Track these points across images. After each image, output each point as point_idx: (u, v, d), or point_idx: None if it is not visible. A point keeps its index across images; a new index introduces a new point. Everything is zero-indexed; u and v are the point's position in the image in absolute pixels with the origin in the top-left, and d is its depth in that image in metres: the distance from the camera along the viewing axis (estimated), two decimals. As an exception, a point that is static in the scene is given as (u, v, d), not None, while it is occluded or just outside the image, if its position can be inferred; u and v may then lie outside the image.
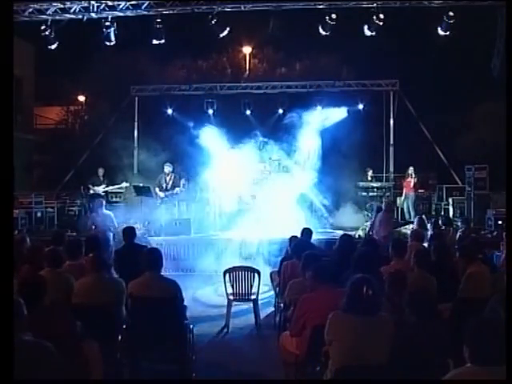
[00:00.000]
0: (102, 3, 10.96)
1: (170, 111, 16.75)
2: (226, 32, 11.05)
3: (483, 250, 6.73)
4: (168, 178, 12.38)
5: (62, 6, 11.02)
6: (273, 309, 7.27)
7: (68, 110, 21.88)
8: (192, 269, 9.78)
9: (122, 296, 5.04)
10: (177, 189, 12.37)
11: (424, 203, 14.42)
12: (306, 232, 7.43)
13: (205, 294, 8.68)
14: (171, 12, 11.22)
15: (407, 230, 11.97)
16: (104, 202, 10.22)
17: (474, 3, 10.79)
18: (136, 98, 17.12)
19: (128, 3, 11.06)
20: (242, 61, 21.99)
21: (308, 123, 13.87)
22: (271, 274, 7.70)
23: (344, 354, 3.53)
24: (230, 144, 13.28)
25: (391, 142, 16.38)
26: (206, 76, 20.06)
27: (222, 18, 10.85)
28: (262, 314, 7.37)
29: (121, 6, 11.07)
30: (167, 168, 12.41)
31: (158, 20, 10.99)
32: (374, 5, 10.65)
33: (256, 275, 6.95)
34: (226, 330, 6.82)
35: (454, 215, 13.50)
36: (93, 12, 11.05)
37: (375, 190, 14.30)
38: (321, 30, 10.97)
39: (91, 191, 13.11)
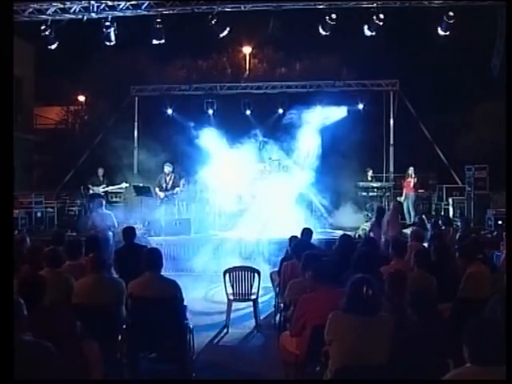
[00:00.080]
0: (102, 3, 10.96)
1: (169, 111, 16.76)
2: (226, 32, 11.05)
3: (483, 250, 6.73)
4: (168, 178, 12.37)
5: (61, 5, 11.02)
6: (273, 309, 7.27)
7: (68, 109, 21.89)
8: (192, 269, 9.76)
9: (122, 296, 5.04)
10: (177, 189, 12.37)
11: (424, 203, 14.43)
12: (306, 232, 7.43)
13: (205, 294, 8.67)
14: (171, 12, 11.22)
15: (407, 230, 12.00)
16: (104, 202, 10.22)
17: (474, 3, 10.79)
18: (136, 98, 17.12)
19: (128, 3, 11.05)
20: (242, 61, 21.99)
21: (308, 122, 13.87)
22: (271, 274, 7.69)
23: (344, 353, 3.53)
24: (230, 144, 13.28)
25: (391, 141, 16.37)
26: (205, 76, 20.06)
27: (222, 18, 10.85)
28: (262, 314, 7.37)
29: (121, 6, 11.07)
30: (167, 168, 12.41)
31: (158, 20, 10.98)
32: (374, 5, 10.65)
33: (256, 275, 6.95)
34: (225, 330, 6.82)
35: (453, 215, 13.49)
36: (93, 12, 11.05)
37: (375, 190, 14.29)
38: (321, 30, 10.97)
39: (91, 191, 13.11)
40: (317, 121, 14.02)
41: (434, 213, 14.06)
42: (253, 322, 6.96)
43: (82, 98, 21.93)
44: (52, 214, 13.79)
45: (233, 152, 12.94)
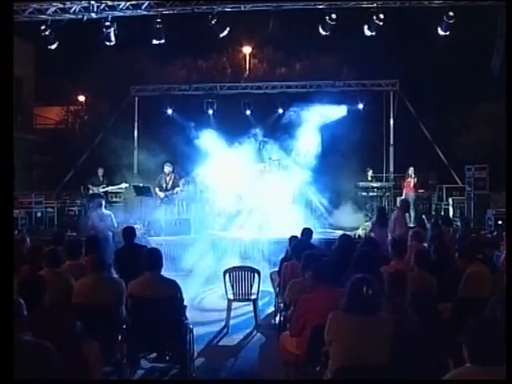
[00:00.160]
0: (102, 3, 10.95)
1: (169, 111, 16.76)
2: (226, 32, 11.05)
3: (483, 250, 6.73)
4: (168, 178, 12.37)
5: (61, 5, 11.02)
6: (273, 309, 7.27)
7: (68, 110, 21.88)
8: (192, 269, 9.76)
9: (122, 296, 5.04)
10: (177, 189, 12.37)
11: (424, 203, 14.42)
12: (306, 232, 7.42)
13: (205, 293, 8.67)
14: (171, 12, 11.22)
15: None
16: (103, 202, 10.22)
17: (474, 3, 10.79)
18: (136, 98, 17.13)
19: (128, 3, 11.05)
20: (242, 61, 21.99)
21: (308, 122, 13.88)
22: (271, 274, 7.70)
23: (344, 353, 3.54)
24: (230, 144, 13.29)
25: (391, 142, 16.38)
26: (206, 76, 20.06)
27: (222, 17, 10.85)
28: (262, 314, 7.37)
29: (121, 6, 11.07)
30: (167, 168, 12.41)
31: (158, 20, 10.98)
32: (374, 5, 10.65)
33: (256, 275, 6.95)
34: (225, 330, 6.82)
35: (453, 215, 13.50)
36: (93, 12, 11.04)
37: (375, 190, 14.29)
38: (321, 30, 10.97)
39: (91, 191, 13.11)
40: (317, 120, 14.04)
41: (433, 213, 14.06)
42: (253, 322, 6.96)
43: (82, 98, 21.92)
44: (52, 214, 13.80)
45: (233, 152, 12.94)
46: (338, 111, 14.94)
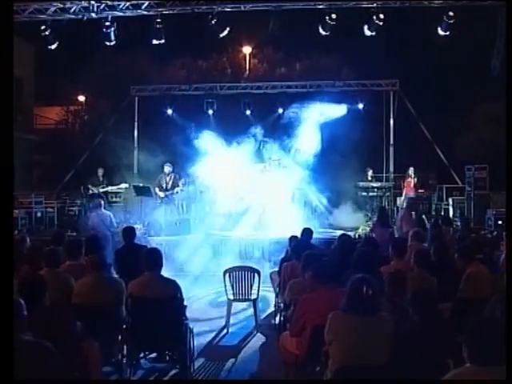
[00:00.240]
0: (102, 3, 10.95)
1: (169, 111, 16.77)
2: (226, 32, 11.05)
3: (483, 249, 6.73)
4: (168, 178, 12.38)
5: (61, 5, 11.02)
6: (273, 309, 7.27)
7: (68, 110, 21.88)
8: (192, 269, 9.76)
9: (122, 296, 5.04)
10: (177, 189, 12.38)
11: (424, 203, 14.41)
12: (307, 232, 7.43)
13: (205, 293, 8.67)
14: (171, 12, 11.22)
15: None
16: (103, 203, 10.23)
17: (474, 3, 10.79)
18: (136, 98, 17.14)
19: (128, 3, 11.06)
20: (242, 61, 21.99)
21: (308, 121, 13.87)
22: (271, 274, 7.69)
23: (344, 353, 3.54)
24: (230, 144, 13.28)
25: (391, 141, 16.39)
26: (206, 76, 20.06)
27: (222, 17, 10.85)
28: (262, 314, 7.37)
29: (121, 6, 11.07)
30: (167, 168, 12.42)
31: (158, 20, 10.98)
32: (374, 5, 10.65)
33: (256, 275, 6.95)
34: (225, 330, 6.82)
35: (454, 215, 13.50)
36: (93, 12, 11.04)
37: (375, 189, 14.30)
38: (321, 30, 10.97)
39: (91, 191, 13.11)
40: (317, 118, 14.02)
41: (433, 213, 14.05)
42: (253, 322, 6.96)
43: (82, 98, 21.92)
44: (52, 214, 13.80)
45: (233, 152, 12.94)
46: (338, 110, 14.93)
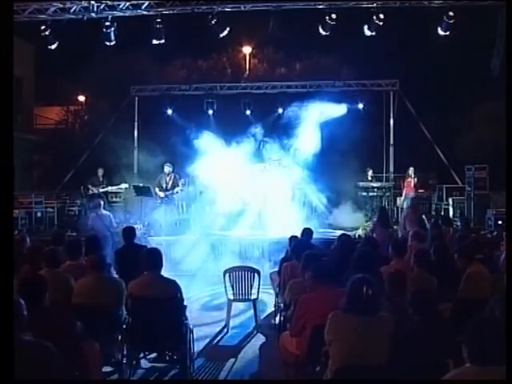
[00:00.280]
0: (102, 3, 10.95)
1: (169, 111, 16.77)
2: (226, 32, 11.05)
3: (483, 250, 6.73)
4: (168, 178, 12.37)
5: (61, 5, 11.02)
6: (273, 309, 7.27)
7: (68, 110, 21.88)
8: (192, 269, 9.77)
9: (122, 296, 5.04)
10: (177, 189, 12.38)
11: (424, 203, 14.41)
12: (307, 232, 7.43)
13: (205, 293, 8.67)
14: (171, 12, 11.22)
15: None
16: (102, 203, 10.23)
17: (474, 3, 10.79)
18: (136, 98, 17.13)
19: (128, 3, 11.05)
20: (242, 61, 22.00)
21: (308, 120, 13.86)
22: (271, 275, 7.69)
23: (344, 353, 3.54)
24: (230, 144, 13.27)
25: (391, 141, 16.39)
26: (206, 76, 20.06)
27: (222, 17, 10.85)
28: (262, 314, 7.37)
29: (121, 6, 11.07)
30: (167, 168, 12.41)
31: (158, 20, 10.98)
32: (374, 5, 10.65)
33: (256, 275, 6.95)
34: (225, 330, 6.82)
35: (454, 215, 13.50)
36: (93, 12, 11.04)
37: (375, 189, 14.29)
38: (321, 30, 10.97)
39: (91, 191, 13.11)
40: (317, 117, 14.02)
41: (433, 213, 14.05)
42: (253, 322, 6.96)
43: (82, 98, 21.93)
44: (52, 214, 13.80)
45: (233, 152, 12.94)
46: (338, 109, 14.93)
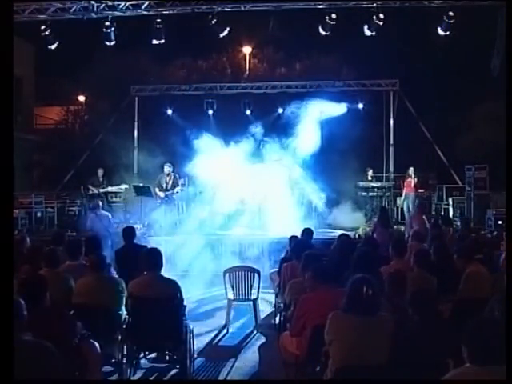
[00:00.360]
0: (102, 3, 10.95)
1: (169, 111, 16.77)
2: (226, 32, 11.05)
3: (483, 250, 6.73)
4: (168, 179, 12.37)
5: (61, 5, 11.02)
6: (273, 309, 7.27)
7: (68, 110, 21.89)
8: (192, 269, 9.77)
9: (122, 296, 5.04)
10: (177, 188, 12.37)
11: (424, 203, 14.41)
12: (307, 232, 7.43)
13: (204, 293, 8.67)
14: (171, 12, 11.22)
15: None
16: (101, 203, 10.24)
17: (474, 3, 10.79)
18: (136, 98, 17.13)
19: (128, 3, 11.05)
20: (242, 61, 22.00)
21: (308, 119, 13.85)
22: (271, 275, 7.69)
23: (344, 353, 3.54)
24: (230, 144, 13.27)
25: (391, 141, 16.38)
26: (206, 76, 20.07)
27: (222, 17, 10.85)
28: (262, 314, 7.37)
29: (121, 6, 11.06)
30: (167, 168, 12.41)
31: (158, 20, 10.98)
32: (374, 5, 10.65)
33: (256, 275, 6.95)
34: (225, 330, 6.82)
35: (454, 215, 13.50)
36: (93, 12, 11.04)
37: (375, 189, 14.29)
38: (321, 30, 10.97)
39: (91, 191, 13.11)
40: (317, 116, 14.01)
41: (434, 213, 14.05)
42: (253, 322, 6.96)
43: (82, 98, 21.94)
44: (52, 214, 13.80)
45: (233, 152, 12.93)
46: (338, 108, 14.93)
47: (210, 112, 16.51)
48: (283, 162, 13.38)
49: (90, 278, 5.05)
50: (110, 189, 13.37)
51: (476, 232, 10.55)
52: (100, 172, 13.40)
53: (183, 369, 5.12)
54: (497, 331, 2.71)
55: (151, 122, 17.43)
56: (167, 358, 5.32)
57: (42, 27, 10.97)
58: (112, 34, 10.99)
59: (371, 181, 14.55)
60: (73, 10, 11.10)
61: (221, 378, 5.37)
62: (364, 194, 14.18)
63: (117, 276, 5.59)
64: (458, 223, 11.21)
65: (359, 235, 11.11)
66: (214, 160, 12.66)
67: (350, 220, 12.73)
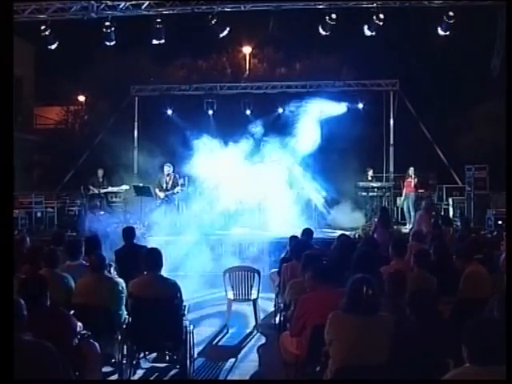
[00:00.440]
0: (102, 3, 10.95)
1: (169, 111, 16.76)
2: (226, 32, 11.05)
3: (483, 250, 6.73)
4: (168, 179, 12.37)
5: (61, 5, 11.02)
6: (273, 309, 7.27)
7: (68, 110, 21.89)
8: (192, 269, 9.76)
9: (122, 296, 5.05)
10: (177, 188, 12.37)
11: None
12: (307, 232, 7.43)
13: (204, 294, 8.67)
14: (171, 12, 11.22)
15: (407, 229, 12.01)
16: (99, 204, 10.25)
17: (474, 3, 10.79)
18: (136, 98, 17.12)
19: (128, 3, 11.05)
20: (242, 61, 22.01)
21: (308, 119, 13.85)
22: (271, 275, 7.69)
23: (344, 353, 3.54)
24: (230, 144, 13.26)
25: (391, 141, 16.38)
26: (205, 76, 20.07)
27: (222, 18, 10.85)
28: (262, 314, 7.37)
29: (121, 6, 11.07)
30: (167, 168, 12.40)
31: (158, 20, 10.98)
32: (374, 5, 10.65)
33: (256, 275, 6.95)
34: (225, 330, 6.82)
35: (454, 215, 13.50)
36: (93, 12, 11.04)
37: (375, 189, 14.27)
38: (321, 30, 10.97)
39: (91, 191, 13.11)
40: (317, 116, 14.01)
41: (434, 213, 14.04)
42: (253, 322, 6.96)
43: (82, 98, 21.94)
44: (52, 214, 13.79)
45: (233, 151, 12.93)
46: (338, 108, 14.93)
47: (210, 112, 16.50)
48: (283, 162, 13.38)
49: (90, 278, 5.05)
50: (110, 189, 13.37)
51: (476, 232, 10.55)
52: (100, 172, 13.39)
53: (183, 369, 5.12)
54: (497, 331, 2.71)
55: (151, 122, 17.43)
56: (167, 358, 5.32)
57: (42, 27, 10.97)
58: (112, 34, 10.99)
59: (371, 181, 14.53)
60: (73, 9, 11.10)
61: (221, 378, 5.37)
62: (364, 193, 14.16)
63: (117, 276, 5.59)
64: (458, 223, 11.20)
65: (359, 235, 11.11)
66: (214, 160, 12.66)
67: (350, 220, 12.72)
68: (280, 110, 16.32)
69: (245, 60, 21.89)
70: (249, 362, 5.74)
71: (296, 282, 5.21)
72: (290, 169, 13.28)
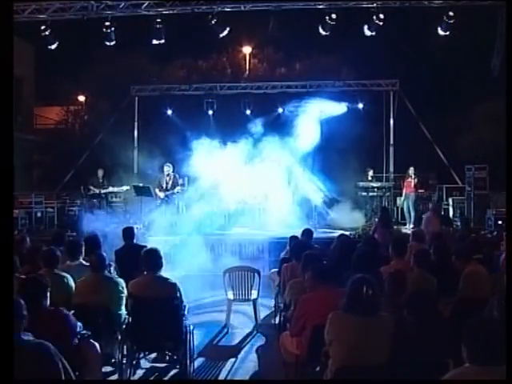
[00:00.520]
0: (102, 3, 10.95)
1: (169, 111, 16.76)
2: (226, 32, 11.05)
3: (483, 250, 6.73)
4: (168, 179, 12.37)
5: (61, 5, 11.02)
6: (273, 309, 7.27)
7: (68, 110, 21.89)
8: (192, 269, 9.76)
9: (122, 296, 5.05)
10: (177, 188, 12.37)
11: (424, 203, 14.40)
12: (307, 232, 7.43)
13: (204, 294, 8.66)
14: (171, 12, 11.22)
15: (407, 229, 12.02)
16: (96, 204, 10.27)
17: (474, 3, 10.79)
18: (136, 98, 17.13)
19: (128, 3, 11.05)
20: (242, 61, 22.01)
21: (308, 119, 13.86)
22: (271, 275, 7.70)
23: (344, 353, 3.54)
24: (230, 144, 13.26)
25: (391, 141, 16.38)
26: (205, 76, 20.08)
27: (222, 18, 10.85)
28: (262, 314, 7.37)
29: (121, 6, 11.06)
30: (167, 168, 12.41)
31: (158, 20, 10.98)
32: (374, 5, 10.65)
33: (256, 275, 6.95)
34: (225, 330, 6.82)
35: (454, 215, 13.50)
36: (93, 12, 11.04)
37: (375, 189, 14.27)
38: (321, 30, 10.97)
39: (91, 192, 13.11)
40: (317, 115, 14.02)
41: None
42: (253, 322, 6.96)
43: (82, 98, 21.94)
44: (52, 214, 13.79)
45: (232, 151, 12.92)
46: (338, 108, 14.93)
47: (210, 112, 16.50)
48: (283, 162, 13.38)
49: (89, 278, 5.05)
50: (110, 189, 13.37)
51: (476, 232, 10.55)
52: (100, 172, 13.39)
53: (183, 369, 5.12)
54: (496, 331, 2.71)
55: (151, 122, 17.43)
56: (167, 357, 5.32)
57: (42, 27, 10.97)
58: (112, 33, 10.99)
59: (371, 181, 14.53)
60: (73, 10, 11.10)
61: (221, 377, 5.37)
62: (364, 193, 14.15)
63: (117, 276, 5.59)
64: (458, 223, 11.21)
65: (359, 235, 11.11)
66: (214, 160, 12.66)
67: (350, 220, 12.72)
68: (280, 110, 16.32)
69: (245, 60, 21.89)
70: (249, 362, 5.74)
71: (296, 282, 5.21)
72: (290, 169, 13.28)
